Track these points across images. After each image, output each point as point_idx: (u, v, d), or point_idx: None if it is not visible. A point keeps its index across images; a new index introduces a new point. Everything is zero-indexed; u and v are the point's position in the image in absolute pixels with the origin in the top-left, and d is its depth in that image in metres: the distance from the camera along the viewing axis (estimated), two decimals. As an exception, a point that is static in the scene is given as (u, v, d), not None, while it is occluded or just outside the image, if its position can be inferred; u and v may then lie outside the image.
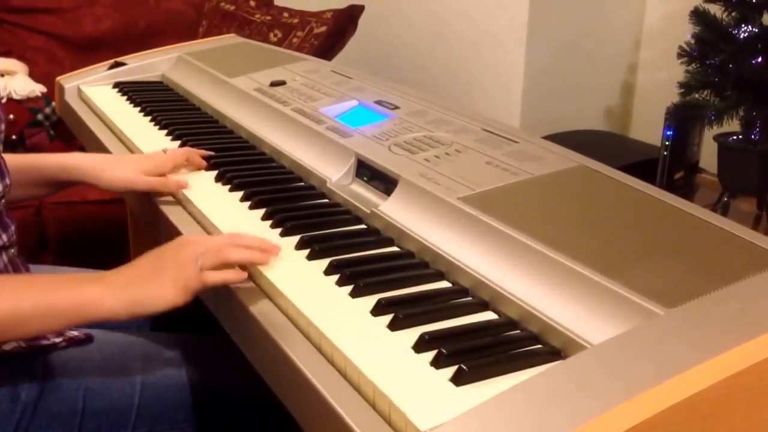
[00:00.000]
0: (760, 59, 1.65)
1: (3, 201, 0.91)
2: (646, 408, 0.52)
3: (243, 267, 0.81)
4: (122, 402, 0.89)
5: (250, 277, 0.81)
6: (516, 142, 0.98)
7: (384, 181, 0.95)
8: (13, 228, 0.94)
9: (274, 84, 1.33)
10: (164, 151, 1.09)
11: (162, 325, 1.11)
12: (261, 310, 0.76)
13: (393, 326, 0.70)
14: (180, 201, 1.03)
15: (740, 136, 1.74)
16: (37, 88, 2.08)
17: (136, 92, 1.47)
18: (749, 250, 0.71)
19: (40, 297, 0.75)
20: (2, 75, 2.07)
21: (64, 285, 0.77)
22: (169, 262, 0.77)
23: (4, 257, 0.91)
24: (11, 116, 2.01)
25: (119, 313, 0.76)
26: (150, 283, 0.76)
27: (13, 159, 0.98)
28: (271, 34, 2.23)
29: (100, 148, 1.28)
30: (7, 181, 0.91)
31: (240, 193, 1.01)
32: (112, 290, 0.76)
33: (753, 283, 0.65)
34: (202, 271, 0.76)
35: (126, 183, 1.03)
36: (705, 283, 0.65)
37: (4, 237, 0.91)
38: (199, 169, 1.10)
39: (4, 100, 2.01)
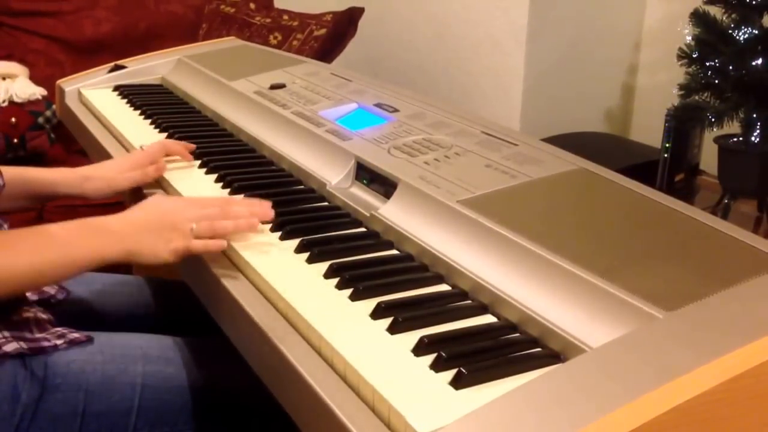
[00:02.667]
0: (760, 61, 1.65)
1: None
2: (645, 411, 0.52)
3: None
4: (122, 404, 0.89)
5: (251, 281, 0.81)
6: (515, 144, 0.98)
7: (383, 184, 0.95)
8: (5, 226, 0.94)
9: (273, 87, 1.33)
10: (141, 148, 1.13)
11: (162, 326, 1.11)
12: (260, 312, 0.76)
13: (392, 329, 0.70)
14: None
15: (740, 138, 1.74)
16: (38, 91, 2.08)
17: (136, 95, 1.47)
18: (748, 253, 0.71)
19: (56, 250, 0.82)
20: (3, 78, 2.07)
21: (79, 239, 0.84)
22: (167, 224, 0.84)
23: None
24: (12, 119, 2.01)
25: (119, 260, 0.84)
26: (148, 239, 0.84)
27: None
28: (271, 37, 2.23)
29: (101, 151, 1.28)
30: (0, 182, 0.92)
31: (240, 197, 1.01)
32: (116, 240, 0.84)
33: (752, 286, 0.65)
34: (192, 237, 0.84)
35: (109, 186, 1.08)
36: (704, 286, 0.65)
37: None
38: (181, 157, 1.13)
39: (5, 104, 2.01)
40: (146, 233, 0.84)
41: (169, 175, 1.09)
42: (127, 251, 0.84)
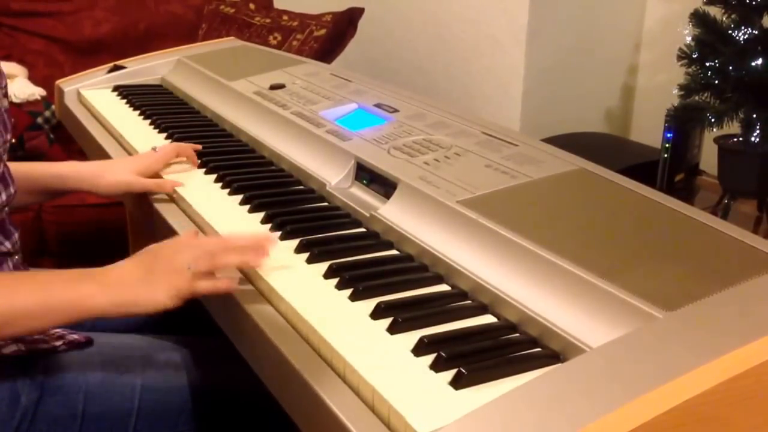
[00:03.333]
0: (760, 61, 1.65)
1: (7, 209, 0.91)
2: (645, 411, 0.52)
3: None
4: (122, 405, 0.89)
5: (251, 282, 0.81)
6: (515, 145, 0.98)
7: (383, 185, 0.95)
8: (16, 235, 0.94)
9: (273, 87, 1.33)
10: (154, 149, 1.12)
11: (162, 327, 1.11)
12: (260, 313, 0.76)
13: (392, 330, 0.70)
14: (179, 204, 1.03)
15: (740, 138, 1.74)
16: (37, 92, 2.08)
17: (135, 95, 1.47)
18: (748, 253, 0.71)
19: (34, 295, 0.76)
20: (2, 78, 2.07)
21: (58, 283, 0.78)
22: (163, 266, 0.77)
23: (9, 264, 0.92)
24: (11, 120, 2.01)
25: (109, 312, 0.77)
26: (143, 286, 0.77)
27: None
28: (271, 37, 2.23)
29: (100, 152, 1.28)
30: (12, 190, 0.91)
31: (239, 197, 1.01)
32: (105, 289, 0.77)
33: (752, 286, 0.65)
34: (194, 277, 0.77)
35: (123, 186, 1.06)
36: (704, 286, 0.65)
37: (8, 244, 0.91)
38: (193, 165, 1.12)
39: (4, 104, 2.01)
40: (138, 280, 0.77)
41: (168, 175, 1.09)
42: (120, 302, 0.76)
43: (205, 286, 0.77)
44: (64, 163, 1.10)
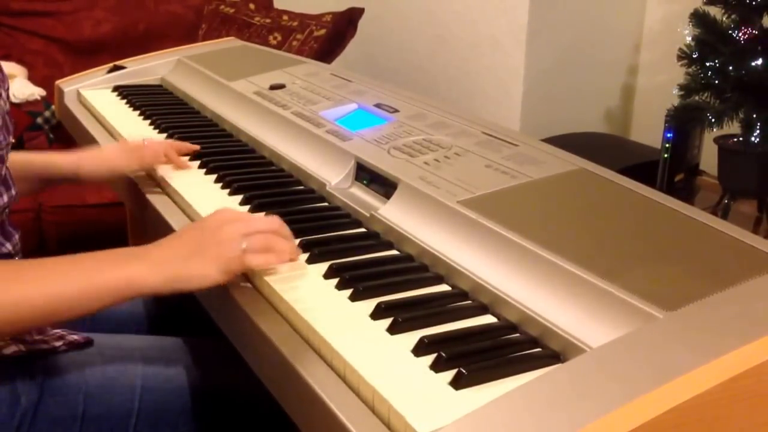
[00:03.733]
0: (760, 61, 1.65)
1: (7, 211, 0.91)
2: (645, 411, 0.52)
3: None
4: (122, 406, 0.89)
5: (251, 282, 0.81)
6: (516, 145, 0.98)
7: (383, 185, 0.95)
8: (17, 237, 0.94)
9: (273, 87, 1.33)
10: (143, 141, 1.13)
11: (162, 328, 1.11)
12: (261, 314, 0.76)
13: (392, 330, 0.70)
14: (179, 204, 1.03)
15: (740, 139, 1.74)
16: (37, 92, 2.08)
17: (135, 96, 1.47)
18: (748, 253, 0.71)
19: (85, 278, 0.74)
20: (2, 79, 2.07)
21: (108, 264, 0.76)
22: (211, 239, 0.76)
23: None
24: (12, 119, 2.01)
25: (161, 289, 0.75)
26: (193, 260, 0.75)
27: None
28: (271, 37, 2.23)
29: (100, 152, 1.28)
30: (13, 192, 0.91)
31: (239, 197, 1.01)
32: (155, 267, 0.75)
33: (752, 286, 0.65)
34: (245, 252, 0.75)
35: (104, 165, 1.10)
36: (704, 286, 0.65)
37: (9, 246, 0.91)
38: (177, 164, 1.12)
39: (4, 104, 2.01)
40: (190, 255, 0.75)
41: (167, 176, 1.09)
42: (169, 278, 0.74)
43: (258, 259, 0.76)
44: (53, 152, 1.13)
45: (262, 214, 0.95)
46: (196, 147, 1.15)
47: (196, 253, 0.75)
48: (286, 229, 0.81)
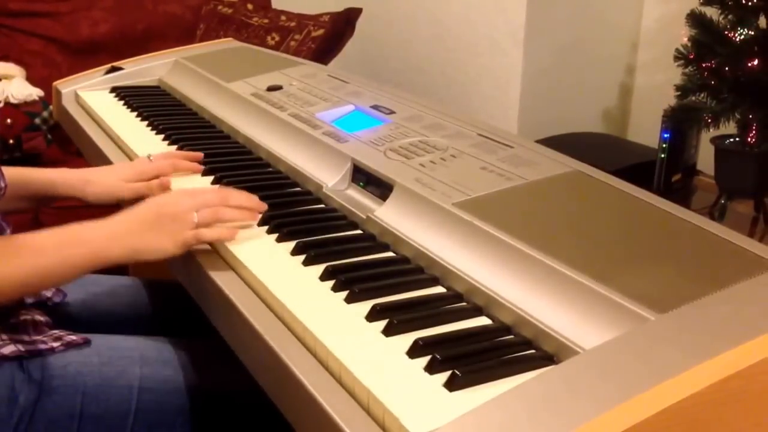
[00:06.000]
0: (756, 62, 1.66)
1: None
2: (637, 412, 0.53)
3: None
4: (120, 406, 0.89)
5: (247, 283, 0.82)
6: (511, 147, 0.98)
7: (379, 187, 0.95)
8: (8, 232, 0.94)
9: (270, 89, 1.33)
10: (149, 157, 1.10)
11: (159, 328, 1.11)
12: (257, 315, 0.76)
13: (387, 332, 0.70)
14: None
15: (737, 139, 1.75)
16: (35, 92, 2.08)
17: (133, 97, 1.47)
18: (740, 255, 0.71)
19: (56, 253, 0.83)
20: (0, 79, 2.08)
21: (77, 239, 0.84)
22: (168, 216, 0.84)
23: None
24: (8, 120, 2.01)
25: (123, 260, 0.85)
26: (151, 234, 0.84)
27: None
28: (269, 38, 2.23)
29: (97, 153, 1.28)
30: (2, 184, 0.92)
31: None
32: (117, 241, 0.84)
33: (743, 288, 0.65)
34: (198, 227, 0.84)
35: (111, 194, 1.06)
36: (696, 288, 0.65)
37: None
38: (189, 172, 1.10)
39: (1, 104, 2.01)
40: (148, 229, 0.84)
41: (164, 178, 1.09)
42: (130, 249, 0.84)
43: (209, 234, 0.84)
44: (55, 169, 1.10)
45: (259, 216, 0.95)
46: (200, 155, 1.13)
47: (152, 228, 0.84)
48: (235, 198, 0.89)
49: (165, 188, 1.04)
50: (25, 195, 1.08)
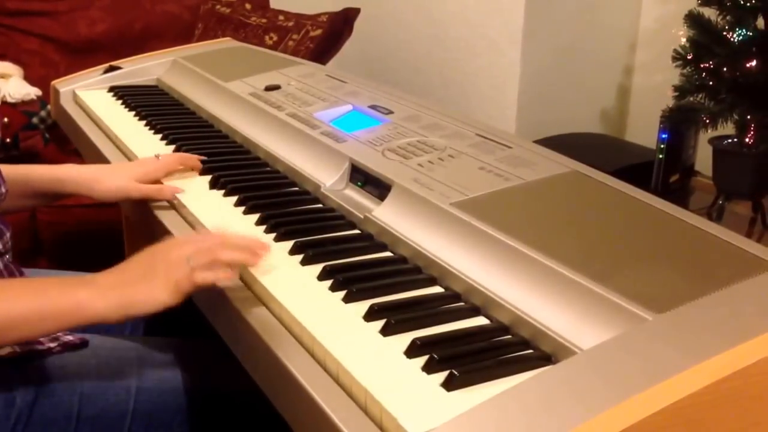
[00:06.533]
0: (754, 63, 1.66)
1: None
2: (634, 412, 0.53)
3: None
4: (117, 407, 0.89)
5: (245, 283, 0.82)
6: (509, 147, 0.98)
7: (377, 186, 0.95)
8: (8, 235, 0.94)
9: (268, 88, 1.33)
10: (157, 156, 1.09)
11: (157, 329, 1.11)
12: (255, 315, 0.76)
13: (385, 331, 0.70)
14: (174, 206, 1.03)
15: (735, 140, 1.75)
16: (32, 92, 2.08)
17: (131, 96, 1.47)
18: (737, 255, 0.71)
19: (31, 302, 0.75)
20: (-2, 78, 2.07)
21: (55, 289, 0.77)
22: (160, 263, 0.77)
23: (0, 264, 0.92)
24: (5, 119, 2.01)
25: (110, 316, 0.76)
26: (141, 285, 0.76)
27: (4, 170, 0.98)
28: (267, 37, 2.23)
29: (95, 153, 1.28)
30: (2, 189, 0.91)
31: (234, 198, 1.01)
32: (103, 292, 0.75)
33: (740, 288, 0.65)
34: (193, 271, 0.76)
35: (120, 192, 1.04)
36: (693, 288, 0.65)
37: (-1, 244, 0.91)
38: (193, 170, 1.10)
39: (-2, 104, 2.01)
40: (138, 279, 0.76)
41: (167, 180, 1.09)
42: (119, 303, 0.75)
43: (204, 276, 0.76)
44: (61, 166, 1.09)
45: (256, 216, 0.95)
46: (202, 157, 1.13)
47: (144, 277, 0.76)
48: (232, 240, 0.80)
49: (175, 193, 1.02)
50: (30, 193, 1.07)
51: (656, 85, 2.17)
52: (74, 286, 0.77)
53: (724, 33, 1.69)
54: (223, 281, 0.78)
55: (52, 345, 0.90)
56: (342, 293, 0.76)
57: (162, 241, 0.81)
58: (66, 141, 1.72)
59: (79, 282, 0.77)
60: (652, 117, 1.92)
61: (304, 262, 0.83)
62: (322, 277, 0.80)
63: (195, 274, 0.76)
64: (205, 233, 0.90)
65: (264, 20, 2.28)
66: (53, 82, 1.58)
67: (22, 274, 0.97)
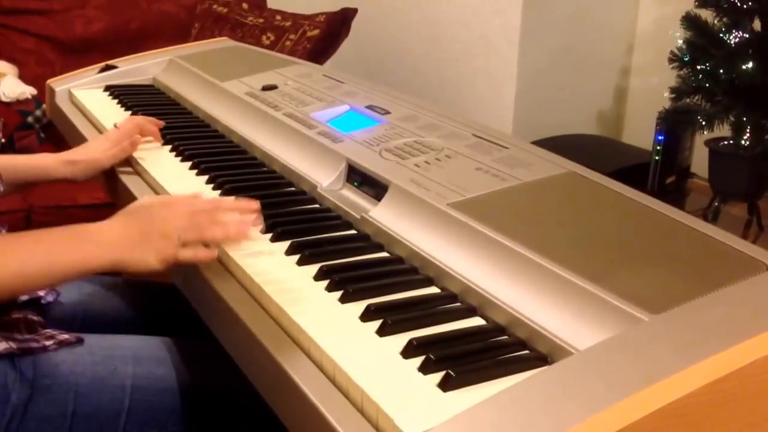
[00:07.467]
0: (750, 65, 1.66)
1: None
2: (630, 413, 0.53)
3: None
4: (112, 405, 0.89)
5: (241, 284, 0.81)
6: (506, 147, 0.99)
7: (374, 187, 0.95)
8: (4, 231, 0.94)
9: (265, 88, 1.33)
10: (115, 125, 1.19)
11: (152, 328, 1.11)
12: (250, 314, 0.76)
13: (382, 332, 0.70)
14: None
15: (731, 141, 1.75)
16: (28, 91, 2.08)
17: (127, 95, 1.47)
18: (733, 256, 0.71)
19: (43, 258, 0.82)
20: (-7, 77, 2.07)
21: (62, 245, 0.84)
22: (155, 233, 0.84)
23: None
24: (0, 119, 2.00)
25: (106, 269, 0.84)
26: (136, 250, 0.84)
27: None
28: (264, 37, 2.23)
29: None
30: (1, 189, 0.92)
31: (231, 198, 1.01)
32: (105, 249, 0.83)
33: (736, 289, 0.65)
34: (180, 246, 0.84)
35: (95, 167, 1.14)
36: (689, 289, 0.65)
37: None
38: (153, 136, 1.21)
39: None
40: (135, 243, 0.83)
41: (159, 176, 1.09)
42: (114, 261, 0.83)
43: (186, 254, 0.84)
44: (39, 155, 1.17)
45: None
46: (161, 123, 1.23)
47: (139, 244, 0.84)
48: (222, 212, 0.86)
49: (135, 146, 1.15)
50: (14, 181, 1.11)
51: (653, 87, 2.18)
52: (80, 242, 0.84)
53: (721, 35, 1.69)
54: (202, 260, 0.85)
55: (47, 343, 0.90)
56: (338, 293, 0.76)
57: (162, 199, 0.91)
58: (61, 140, 1.72)
59: (82, 236, 0.84)
60: (649, 118, 1.92)
61: (300, 263, 0.83)
62: (318, 277, 0.80)
63: (180, 252, 0.84)
64: (202, 200, 0.94)
65: (261, 20, 2.28)
66: (48, 81, 1.58)
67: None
